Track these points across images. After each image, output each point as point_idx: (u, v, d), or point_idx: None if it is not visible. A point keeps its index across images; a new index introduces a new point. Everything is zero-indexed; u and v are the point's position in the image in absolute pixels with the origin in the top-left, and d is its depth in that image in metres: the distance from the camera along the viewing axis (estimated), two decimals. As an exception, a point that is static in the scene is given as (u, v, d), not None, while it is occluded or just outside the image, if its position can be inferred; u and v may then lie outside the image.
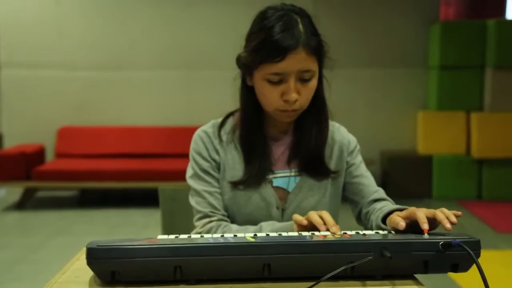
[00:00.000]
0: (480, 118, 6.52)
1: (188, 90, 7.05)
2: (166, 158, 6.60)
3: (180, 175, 6.15)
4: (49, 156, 6.85)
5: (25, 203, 6.24)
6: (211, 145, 1.71)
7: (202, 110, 6.82)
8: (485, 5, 7.99)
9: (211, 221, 1.65)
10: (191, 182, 1.71)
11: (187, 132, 6.62)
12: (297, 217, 1.46)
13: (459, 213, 1.33)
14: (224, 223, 1.65)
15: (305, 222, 1.43)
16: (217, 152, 1.71)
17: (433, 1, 7.12)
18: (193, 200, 1.71)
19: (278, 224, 1.58)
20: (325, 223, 1.38)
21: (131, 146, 6.78)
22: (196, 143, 1.73)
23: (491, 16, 7.08)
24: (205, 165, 1.70)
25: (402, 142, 7.16)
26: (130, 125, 6.96)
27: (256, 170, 1.66)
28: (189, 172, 1.73)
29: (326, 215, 1.40)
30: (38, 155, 6.47)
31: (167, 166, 6.21)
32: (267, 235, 1.30)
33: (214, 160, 1.71)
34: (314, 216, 1.41)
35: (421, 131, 6.89)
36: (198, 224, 1.67)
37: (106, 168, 6.19)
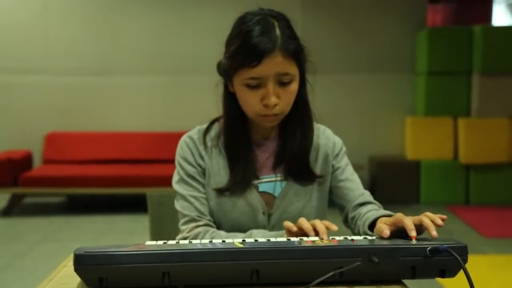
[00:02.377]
0: (468, 123, 6.55)
1: (175, 95, 7.04)
2: (153, 164, 6.58)
3: (167, 181, 6.11)
4: (37, 162, 6.82)
5: (12, 209, 6.20)
6: (197, 151, 1.71)
7: (189, 115, 6.82)
8: (471, 12, 8.06)
9: (198, 226, 1.64)
10: (177, 187, 1.71)
11: (174, 138, 6.61)
12: (288, 223, 1.45)
13: (444, 216, 1.33)
14: (212, 229, 1.64)
15: (295, 228, 1.42)
16: (202, 158, 1.70)
17: (420, 7, 7.16)
18: (178, 205, 1.70)
19: (268, 233, 1.57)
20: (315, 230, 1.38)
21: (119, 151, 6.76)
22: (182, 149, 1.73)
23: (477, 22, 7.13)
24: (191, 170, 1.70)
25: (390, 147, 7.19)
26: (118, 131, 6.95)
27: (241, 176, 1.66)
28: (175, 178, 1.73)
29: (319, 223, 1.39)
30: (25, 161, 6.44)
31: (155, 172, 6.19)
32: (256, 240, 1.30)
33: (200, 166, 1.70)
34: (305, 223, 1.40)
35: (409, 136, 6.92)
36: (185, 228, 1.65)
37: (93, 174, 6.17)
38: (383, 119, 7.18)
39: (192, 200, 1.67)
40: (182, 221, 1.68)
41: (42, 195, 6.64)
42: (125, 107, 7.05)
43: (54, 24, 6.89)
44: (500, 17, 8.59)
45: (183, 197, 1.68)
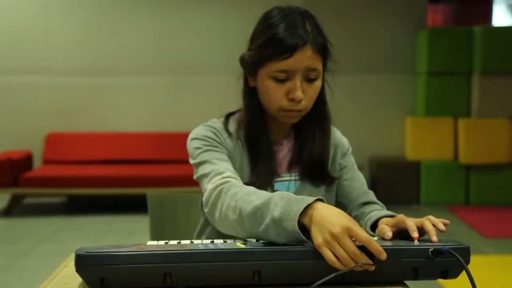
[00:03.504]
0: (468, 124, 6.55)
1: (176, 96, 7.04)
2: (154, 164, 6.58)
3: (168, 181, 6.18)
4: (37, 162, 6.82)
5: (12, 209, 6.20)
6: (221, 137, 1.63)
7: (190, 115, 6.82)
8: (472, 12, 8.06)
9: (223, 177, 1.49)
10: (198, 158, 1.58)
11: (175, 138, 6.67)
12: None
13: (447, 221, 1.32)
14: (236, 182, 1.49)
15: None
16: (226, 146, 1.63)
17: (420, 8, 7.16)
18: (200, 171, 1.56)
19: (295, 206, 1.27)
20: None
21: (119, 152, 6.76)
22: (201, 131, 1.64)
23: (478, 23, 7.14)
24: (214, 143, 1.61)
25: (391, 147, 7.19)
26: (118, 131, 6.95)
27: (264, 173, 1.62)
28: (195, 161, 1.59)
29: (371, 242, 1.18)
30: (26, 161, 6.44)
31: (155, 172, 6.19)
32: (258, 241, 1.30)
33: (226, 148, 1.62)
34: (326, 252, 1.18)
35: (409, 137, 6.91)
36: (210, 185, 1.49)
37: (93, 174, 6.17)
38: (383, 119, 7.17)
39: (215, 161, 1.56)
40: (206, 179, 1.53)
41: (42, 195, 6.64)
42: (126, 107, 7.05)
43: (54, 25, 6.89)
44: (500, 18, 8.60)
45: (207, 162, 1.56)
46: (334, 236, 1.16)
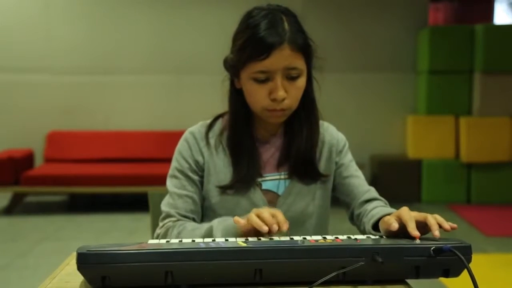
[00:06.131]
0: (469, 122, 6.55)
1: (177, 94, 7.04)
2: (155, 163, 6.58)
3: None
4: (38, 161, 6.82)
5: (14, 208, 6.20)
6: (197, 147, 1.69)
7: (191, 114, 6.80)
8: (473, 10, 8.05)
9: (170, 221, 1.63)
10: (167, 181, 1.71)
11: (176, 137, 6.60)
12: (239, 221, 1.38)
13: (455, 225, 1.31)
14: (180, 222, 1.62)
15: (248, 226, 1.36)
16: (202, 154, 1.69)
17: (422, 6, 7.15)
18: (164, 200, 1.70)
19: (229, 220, 1.47)
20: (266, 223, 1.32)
21: (120, 150, 6.76)
22: (180, 144, 1.72)
23: (479, 21, 7.12)
24: (184, 165, 1.68)
25: (392, 146, 7.19)
26: (119, 130, 6.95)
27: (245, 174, 1.64)
28: (169, 171, 1.73)
29: (278, 213, 1.35)
30: (27, 160, 6.44)
31: (156, 171, 6.18)
32: (259, 239, 1.30)
33: (197, 162, 1.68)
34: (253, 217, 1.33)
35: (411, 135, 6.91)
36: (160, 224, 1.66)
37: (95, 173, 6.17)
38: (384, 118, 7.17)
39: (175, 197, 1.67)
40: (160, 217, 1.68)
41: (44, 194, 6.65)
42: (127, 106, 7.05)
43: (55, 23, 6.89)
44: (501, 16, 8.59)
45: (169, 193, 1.69)
46: (257, 211, 1.35)
